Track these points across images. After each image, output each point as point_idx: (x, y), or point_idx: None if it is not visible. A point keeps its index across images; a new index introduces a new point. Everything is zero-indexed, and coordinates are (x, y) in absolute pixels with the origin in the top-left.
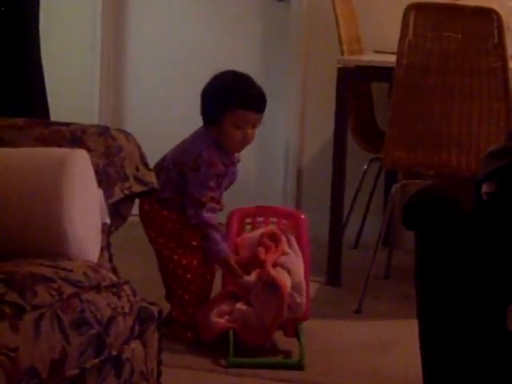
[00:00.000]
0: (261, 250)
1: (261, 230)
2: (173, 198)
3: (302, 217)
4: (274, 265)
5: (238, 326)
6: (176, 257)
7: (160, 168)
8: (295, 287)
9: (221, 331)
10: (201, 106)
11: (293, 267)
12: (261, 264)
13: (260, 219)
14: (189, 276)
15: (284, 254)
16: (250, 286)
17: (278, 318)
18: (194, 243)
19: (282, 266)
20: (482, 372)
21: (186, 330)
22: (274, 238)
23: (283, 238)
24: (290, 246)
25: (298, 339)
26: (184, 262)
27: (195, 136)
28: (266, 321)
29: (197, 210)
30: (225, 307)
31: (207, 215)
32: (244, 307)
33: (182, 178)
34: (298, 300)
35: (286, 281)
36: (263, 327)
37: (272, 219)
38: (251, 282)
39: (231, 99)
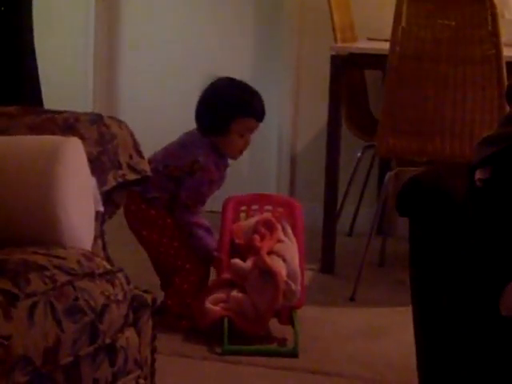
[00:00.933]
0: (256, 237)
1: (256, 218)
2: (159, 197)
3: (297, 205)
4: (269, 252)
5: (233, 313)
6: (172, 251)
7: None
8: (290, 275)
9: (216, 318)
10: (199, 115)
11: (288, 255)
12: (256, 251)
13: (255, 207)
14: (188, 266)
15: (279, 241)
16: (245, 273)
17: (272, 305)
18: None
19: (277, 254)
20: (477, 358)
21: (180, 318)
22: (269, 225)
23: (278, 226)
24: (285, 233)
25: (293, 326)
26: (183, 253)
27: (190, 141)
28: (260, 308)
29: (182, 212)
30: (220, 294)
31: (191, 216)
32: (239, 294)
33: (172, 181)
34: (293, 287)
35: (281, 268)
36: (258, 314)
37: (267, 207)
38: (247, 269)
39: (238, 110)
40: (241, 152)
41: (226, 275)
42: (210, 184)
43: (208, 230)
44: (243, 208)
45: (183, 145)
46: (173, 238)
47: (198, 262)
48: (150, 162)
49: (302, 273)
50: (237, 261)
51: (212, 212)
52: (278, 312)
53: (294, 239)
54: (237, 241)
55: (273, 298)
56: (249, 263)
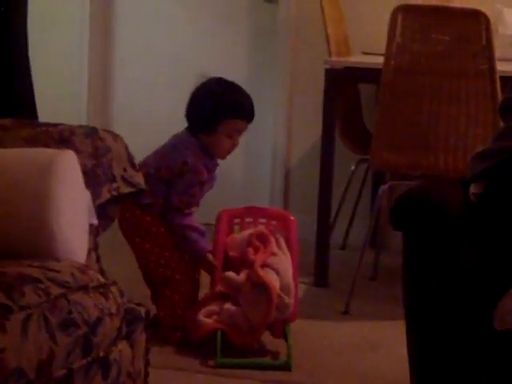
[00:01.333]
0: (250, 250)
1: (250, 231)
2: (154, 203)
3: (291, 218)
4: (263, 265)
5: (226, 326)
6: (163, 261)
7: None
8: (283, 288)
9: (209, 331)
10: (189, 113)
11: (281, 268)
12: (250, 264)
13: (249, 220)
14: (178, 277)
15: (273, 254)
16: (238, 285)
17: (266, 318)
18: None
19: (271, 267)
20: (470, 371)
21: (173, 331)
22: (262, 238)
23: (272, 239)
24: (279, 246)
25: (286, 340)
26: (173, 264)
27: (178, 142)
28: (254, 321)
29: (174, 215)
30: (213, 307)
31: (184, 219)
32: (232, 307)
33: (164, 184)
34: (287, 301)
35: (274, 281)
36: (251, 327)
37: (261, 220)
38: (240, 281)
39: (227, 110)
40: (228, 152)
41: (219, 288)
42: (200, 185)
43: (202, 233)
44: (237, 221)
45: (173, 146)
46: (164, 248)
47: (188, 273)
48: (141, 166)
49: (296, 286)
50: (230, 273)
51: (206, 224)
52: (271, 325)
53: (287, 252)
54: (230, 253)
55: (266, 311)
56: (242, 276)
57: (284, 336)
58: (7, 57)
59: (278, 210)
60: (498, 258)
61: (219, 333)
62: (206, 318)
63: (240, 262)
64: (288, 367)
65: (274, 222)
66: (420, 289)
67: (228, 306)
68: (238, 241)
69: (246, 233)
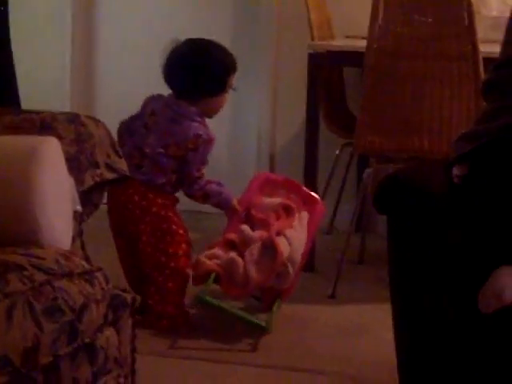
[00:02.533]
0: (272, 215)
1: (279, 200)
2: (167, 181)
3: (320, 203)
4: (279, 233)
5: (224, 272)
6: (162, 245)
7: (141, 156)
8: (290, 259)
9: (206, 272)
10: (188, 81)
11: (295, 242)
12: (267, 226)
13: (282, 191)
14: (172, 264)
15: (292, 227)
16: (250, 240)
17: (264, 278)
18: (181, 231)
19: (286, 237)
20: (456, 355)
21: (161, 318)
22: (288, 210)
23: (296, 214)
24: (300, 224)
25: (271, 308)
26: (170, 250)
27: (177, 115)
28: (251, 277)
29: (193, 185)
30: (218, 252)
31: (202, 183)
32: (236, 257)
33: (174, 160)
34: (290, 271)
35: (284, 249)
36: (246, 282)
37: (292, 195)
38: (253, 237)
39: (229, 67)
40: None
41: (231, 235)
42: (211, 149)
43: (219, 184)
44: (271, 186)
45: (173, 120)
46: (166, 233)
47: (183, 262)
48: (143, 147)
49: (301, 267)
50: (246, 227)
51: (197, 212)
52: (263, 292)
53: (305, 232)
54: (253, 212)
55: (267, 272)
56: (257, 234)
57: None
58: None
59: (311, 193)
60: (482, 240)
61: (213, 275)
62: (208, 259)
63: (258, 223)
64: (266, 329)
65: (303, 201)
66: (405, 272)
67: (233, 254)
68: (264, 204)
69: (275, 201)
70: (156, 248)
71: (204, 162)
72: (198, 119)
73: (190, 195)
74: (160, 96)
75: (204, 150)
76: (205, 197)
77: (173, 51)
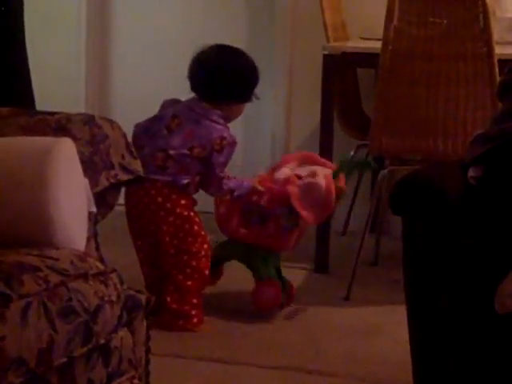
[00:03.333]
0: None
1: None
2: (191, 182)
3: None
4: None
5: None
6: (184, 246)
7: (165, 157)
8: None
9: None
10: (221, 84)
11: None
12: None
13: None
14: (194, 263)
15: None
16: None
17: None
18: (203, 232)
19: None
20: (472, 356)
21: (177, 317)
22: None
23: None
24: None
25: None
26: (193, 249)
27: (202, 117)
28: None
29: (221, 186)
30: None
31: (226, 183)
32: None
33: (198, 161)
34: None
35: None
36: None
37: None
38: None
39: (258, 77)
40: None
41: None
42: (234, 152)
43: (235, 179)
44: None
45: (197, 122)
46: (189, 233)
47: (205, 262)
48: (167, 149)
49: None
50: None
51: (205, 212)
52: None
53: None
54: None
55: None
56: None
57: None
58: (3, 45)
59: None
60: (497, 241)
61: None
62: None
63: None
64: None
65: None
66: (420, 274)
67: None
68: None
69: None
70: (179, 248)
71: (226, 164)
72: (222, 122)
73: (216, 195)
74: (179, 101)
75: (228, 152)
76: (230, 192)
77: (202, 54)
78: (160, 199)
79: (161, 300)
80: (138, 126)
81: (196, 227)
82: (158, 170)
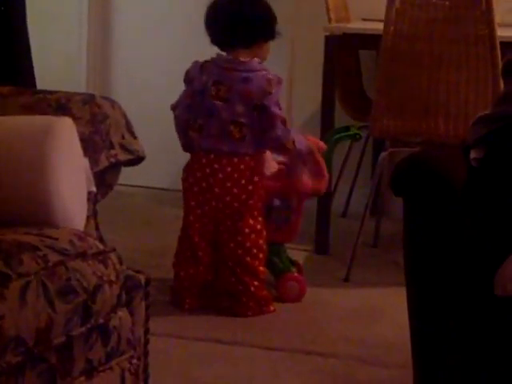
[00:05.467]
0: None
1: None
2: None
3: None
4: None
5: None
6: (252, 221)
7: (240, 128)
8: None
9: None
10: (245, 28)
11: None
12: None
13: None
14: (261, 242)
15: None
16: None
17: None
18: (261, 205)
19: None
20: (471, 339)
21: (260, 303)
22: None
23: None
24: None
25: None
26: (259, 226)
27: (249, 72)
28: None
29: (284, 127)
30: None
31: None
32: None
33: (257, 112)
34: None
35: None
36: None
37: None
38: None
39: (273, 10)
40: None
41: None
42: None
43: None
44: None
45: (245, 79)
46: (253, 207)
47: (265, 240)
48: (237, 119)
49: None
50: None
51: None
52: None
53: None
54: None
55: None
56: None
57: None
58: (5, 24)
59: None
60: (499, 223)
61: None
62: None
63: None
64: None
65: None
66: (420, 256)
67: None
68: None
69: None
70: (246, 223)
71: (279, 103)
72: (263, 67)
73: (281, 139)
74: (203, 64)
75: (277, 91)
76: (293, 143)
77: (218, 4)
78: (248, 173)
79: (219, 281)
80: (176, 108)
81: (260, 204)
82: (239, 142)
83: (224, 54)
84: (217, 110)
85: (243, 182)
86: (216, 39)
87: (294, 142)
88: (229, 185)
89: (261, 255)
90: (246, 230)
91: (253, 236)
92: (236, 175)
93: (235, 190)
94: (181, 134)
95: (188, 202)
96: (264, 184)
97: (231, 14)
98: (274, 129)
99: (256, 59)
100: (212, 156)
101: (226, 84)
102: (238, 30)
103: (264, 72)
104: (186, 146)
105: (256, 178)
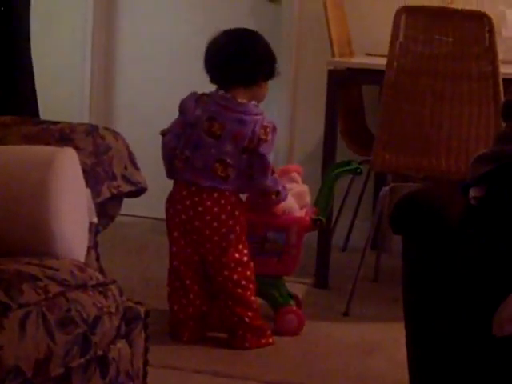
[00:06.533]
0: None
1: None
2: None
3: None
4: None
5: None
6: (237, 255)
7: (224, 167)
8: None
9: None
10: (246, 67)
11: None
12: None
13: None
14: (248, 273)
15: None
16: None
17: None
18: (244, 239)
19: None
20: (469, 377)
21: (257, 334)
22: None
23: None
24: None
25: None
26: (245, 258)
27: (245, 114)
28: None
29: (273, 178)
30: None
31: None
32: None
33: (246, 156)
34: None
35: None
36: None
37: None
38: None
39: (272, 49)
40: None
41: None
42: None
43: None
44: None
45: (240, 121)
46: (238, 241)
47: (253, 270)
48: (224, 158)
49: None
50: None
51: None
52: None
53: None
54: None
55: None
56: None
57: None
58: (9, 55)
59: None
60: (497, 263)
61: None
62: None
63: None
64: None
65: None
66: (419, 292)
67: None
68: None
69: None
70: (232, 259)
71: (271, 152)
72: (260, 111)
73: (270, 188)
74: (200, 97)
75: (272, 139)
76: (277, 193)
77: (220, 41)
78: (229, 207)
79: (214, 314)
80: (166, 135)
81: (244, 236)
82: (221, 180)
83: (222, 91)
84: (206, 145)
85: (223, 216)
86: (215, 77)
87: (278, 192)
88: (208, 218)
89: (251, 286)
90: (232, 265)
91: (239, 269)
92: (216, 209)
93: (215, 224)
94: (166, 161)
95: (171, 232)
96: (252, 217)
97: (231, 53)
98: (264, 178)
99: (253, 102)
100: (193, 188)
101: (220, 122)
102: (237, 70)
103: (260, 117)
104: (170, 174)
105: (237, 213)
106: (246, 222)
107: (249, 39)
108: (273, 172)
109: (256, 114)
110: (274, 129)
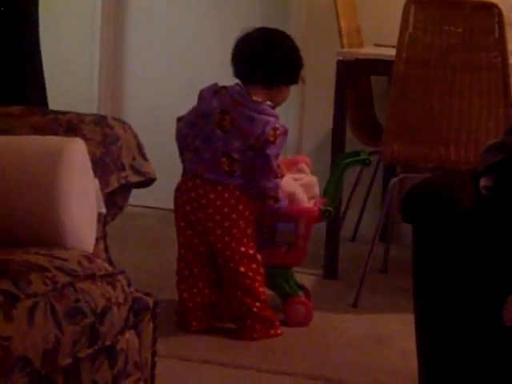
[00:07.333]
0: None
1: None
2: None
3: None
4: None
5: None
6: (243, 248)
7: (230, 162)
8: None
9: None
10: (271, 68)
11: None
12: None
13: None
14: (254, 266)
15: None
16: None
17: None
18: (250, 232)
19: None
20: (479, 367)
21: (265, 325)
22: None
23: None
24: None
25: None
26: (251, 251)
27: (253, 111)
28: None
29: (275, 182)
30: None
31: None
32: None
33: (253, 154)
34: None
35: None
36: None
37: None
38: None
39: (301, 56)
40: None
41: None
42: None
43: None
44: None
45: (250, 118)
46: (243, 234)
47: (260, 262)
48: (230, 153)
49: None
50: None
51: None
52: None
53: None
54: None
55: None
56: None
57: None
58: (18, 45)
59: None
60: (508, 251)
61: None
62: None
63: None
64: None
65: None
66: (430, 282)
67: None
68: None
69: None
70: (236, 252)
71: (278, 155)
72: (273, 112)
73: (269, 190)
74: (219, 89)
75: (281, 142)
76: (276, 200)
77: (248, 39)
78: (233, 201)
79: (223, 303)
80: (181, 121)
81: (249, 230)
82: (226, 175)
83: (239, 86)
84: (214, 137)
85: (226, 210)
86: (238, 71)
87: (277, 199)
88: (211, 211)
89: (258, 277)
90: (237, 257)
91: (245, 261)
92: (219, 202)
93: (218, 218)
94: (178, 146)
95: (178, 222)
96: (254, 210)
97: (256, 51)
98: (266, 179)
99: (268, 103)
100: (198, 181)
101: (232, 116)
102: (259, 69)
103: (272, 119)
104: (182, 159)
105: (241, 207)
106: (254, 215)
107: (278, 41)
108: (277, 177)
109: (269, 115)
110: (285, 133)
